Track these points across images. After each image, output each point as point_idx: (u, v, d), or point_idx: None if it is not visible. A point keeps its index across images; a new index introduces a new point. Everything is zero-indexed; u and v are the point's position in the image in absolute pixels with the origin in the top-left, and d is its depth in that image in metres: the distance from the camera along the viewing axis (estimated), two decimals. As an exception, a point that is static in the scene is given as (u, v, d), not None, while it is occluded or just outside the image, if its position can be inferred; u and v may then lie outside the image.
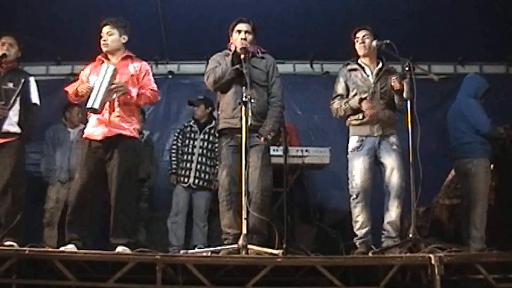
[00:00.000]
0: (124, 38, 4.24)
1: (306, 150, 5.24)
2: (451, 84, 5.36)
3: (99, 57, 4.25)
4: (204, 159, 5.64)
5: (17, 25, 4.93)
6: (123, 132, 4.08)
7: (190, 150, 5.68)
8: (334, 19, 5.54)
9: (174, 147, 5.85)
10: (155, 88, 4.26)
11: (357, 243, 4.24)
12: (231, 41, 4.38)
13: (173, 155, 5.82)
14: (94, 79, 4.06)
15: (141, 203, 5.67)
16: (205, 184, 5.61)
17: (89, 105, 3.92)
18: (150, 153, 5.95)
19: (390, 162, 4.24)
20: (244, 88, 3.87)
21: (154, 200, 6.04)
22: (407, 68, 4.04)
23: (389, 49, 4.10)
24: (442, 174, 5.45)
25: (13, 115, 4.32)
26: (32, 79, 4.48)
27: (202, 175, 5.60)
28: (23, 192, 4.34)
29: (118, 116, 4.09)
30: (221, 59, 4.33)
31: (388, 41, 4.11)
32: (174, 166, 5.75)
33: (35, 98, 4.46)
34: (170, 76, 6.46)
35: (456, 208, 5.31)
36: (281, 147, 4.95)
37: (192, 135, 5.73)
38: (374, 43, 4.21)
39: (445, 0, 5.50)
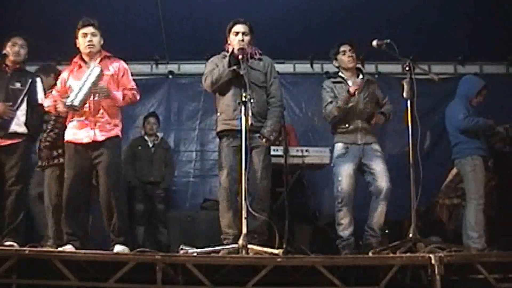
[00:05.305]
0: (102, 40, 4.26)
1: (306, 150, 5.25)
2: (451, 85, 5.36)
3: (75, 60, 4.24)
4: None
5: (17, 25, 4.93)
6: (109, 134, 4.10)
7: None
8: (334, 19, 5.54)
9: None
10: (134, 86, 4.27)
11: (340, 246, 4.42)
12: (228, 42, 4.39)
13: None
14: (75, 83, 4.06)
15: (158, 205, 5.83)
16: None
17: (68, 101, 3.93)
18: (163, 155, 5.97)
19: (377, 167, 4.46)
20: (242, 89, 3.88)
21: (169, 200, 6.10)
22: (407, 68, 4.06)
23: (389, 49, 4.11)
24: (442, 174, 5.45)
25: (21, 115, 4.34)
26: (38, 80, 4.52)
27: None
28: (26, 192, 4.36)
29: (102, 118, 4.10)
30: (218, 61, 4.34)
31: (388, 41, 4.13)
32: None
33: (41, 98, 4.47)
34: (170, 76, 6.45)
35: (456, 208, 5.32)
36: (282, 147, 4.96)
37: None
38: (375, 43, 4.21)
39: (446, 0, 5.49)
